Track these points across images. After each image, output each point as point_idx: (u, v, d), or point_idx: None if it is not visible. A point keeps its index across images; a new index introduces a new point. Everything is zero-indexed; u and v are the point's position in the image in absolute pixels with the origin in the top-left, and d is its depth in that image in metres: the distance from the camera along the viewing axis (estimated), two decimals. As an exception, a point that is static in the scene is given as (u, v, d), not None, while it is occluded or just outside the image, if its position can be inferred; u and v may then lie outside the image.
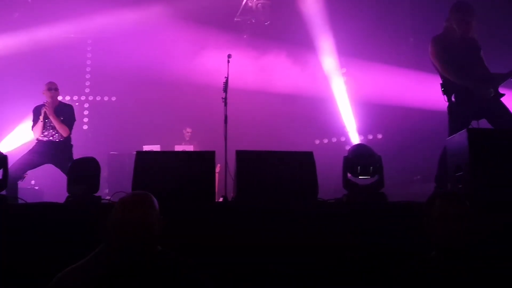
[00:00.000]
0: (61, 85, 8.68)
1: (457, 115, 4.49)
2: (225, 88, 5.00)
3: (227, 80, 5.04)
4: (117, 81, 9.07)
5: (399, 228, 3.42)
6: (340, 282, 3.32)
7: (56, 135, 5.72)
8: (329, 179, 4.88)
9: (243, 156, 4.08)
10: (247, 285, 3.32)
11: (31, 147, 5.75)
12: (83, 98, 9.58)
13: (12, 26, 8.47)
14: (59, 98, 6.19)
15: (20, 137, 7.83)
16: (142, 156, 4.08)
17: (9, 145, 7.88)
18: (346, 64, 8.78)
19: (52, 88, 5.82)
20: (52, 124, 5.71)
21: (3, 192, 3.98)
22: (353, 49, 8.46)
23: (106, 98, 9.61)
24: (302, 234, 3.55)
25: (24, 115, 7.19)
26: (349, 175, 3.99)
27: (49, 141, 5.70)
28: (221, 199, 4.45)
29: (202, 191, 3.89)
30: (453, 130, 4.33)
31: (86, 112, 9.53)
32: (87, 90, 9.61)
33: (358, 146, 4.19)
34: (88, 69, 9.61)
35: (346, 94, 8.69)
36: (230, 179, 4.60)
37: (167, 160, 4.14)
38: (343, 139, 8.89)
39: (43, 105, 5.78)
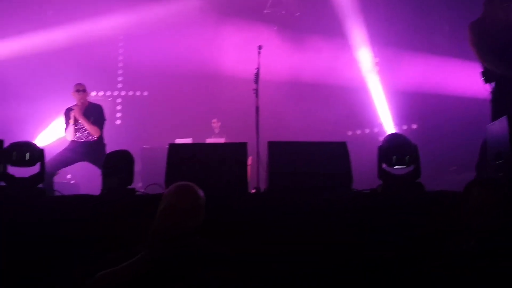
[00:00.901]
0: (95, 81, 8.95)
1: (498, 103, 4.32)
2: (256, 79, 4.97)
3: (258, 71, 5.01)
4: (149, 76, 9.16)
5: (436, 218, 3.33)
6: (375, 273, 3.25)
7: (89, 136, 5.79)
8: (362, 170, 4.79)
9: (275, 147, 4.05)
10: (283, 277, 3.29)
11: (66, 144, 5.84)
12: (115, 93, 9.72)
13: (46, 24, 8.65)
14: (92, 94, 6.24)
15: (55, 132, 8.02)
16: (175, 149, 4.10)
17: (46, 139, 8.07)
18: (379, 53, 8.60)
19: (80, 90, 5.84)
20: (83, 126, 5.79)
21: (41, 185, 4.08)
22: (386, 38, 8.29)
23: (138, 93, 9.73)
24: (337, 225, 3.50)
25: (59, 110, 7.33)
26: (383, 165, 3.90)
27: (83, 142, 5.78)
28: (253, 191, 4.43)
29: (235, 182, 3.88)
30: (495, 118, 4.17)
31: (119, 107, 9.67)
32: (119, 86, 9.74)
33: (393, 135, 4.10)
34: (120, 64, 9.74)
35: (380, 84, 8.52)
36: (262, 171, 4.59)
37: (200, 152, 4.14)
38: (376, 130, 8.73)
39: (73, 106, 5.86)
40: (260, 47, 5.14)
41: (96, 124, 5.79)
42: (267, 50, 5.34)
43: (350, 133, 8.75)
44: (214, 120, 8.41)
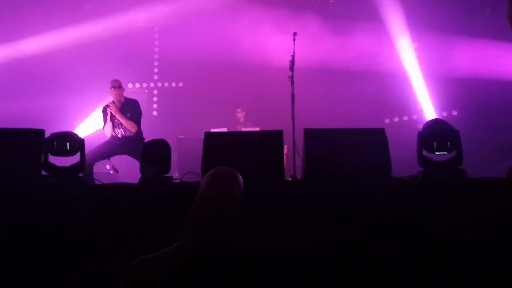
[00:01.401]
0: (131, 73, 9.10)
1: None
2: (292, 67, 4.92)
3: (293, 59, 4.96)
4: (184, 67, 9.21)
5: (478, 205, 3.22)
6: (417, 259, 3.17)
7: (128, 131, 5.87)
8: (401, 157, 4.68)
9: (311, 135, 4.01)
10: (323, 267, 3.25)
11: (106, 137, 5.94)
12: (152, 85, 9.83)
13: (84, 18, 8.83)
14: (129, 86, 6.31)
15: (94, 122, 8.20)
16: (210, 137, 4.11)
17: (85, 130, 8.28)
18: (418, 38, 8.35)
19: (116, 86, 5.90)
20: (120, 122, 5.86)
21: (81, 174, 4.17)
22: (425, 22, 8.04)
23: (173, 84, 9.80)
24: (376, 213, 3.43)
25: (98, 101, 7.50)
26: (424, 151, 3.80)
27: (122, 137, 5.85)
28: (289, 179, 4.39)
29: (271, 170, 3.87)
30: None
31: (155, 99, 9.78)
32: (155, 77, 9.85)
33: (433, 121, 3.98)
34: (156, 56, 9.84)
35: (418, 70, 8.29)
36: (299, 159, 4.55)
37: (235, 140, 4.14)
38: (415, 117, 8.51)
39: (110, 102, 5.92)
40: (295, 34, 5.08)
41: (133, 120, 5.84)
42: (303, 37, 5.28)
43: (387, 120, 8.55)
44: (239, 110, 8.36)
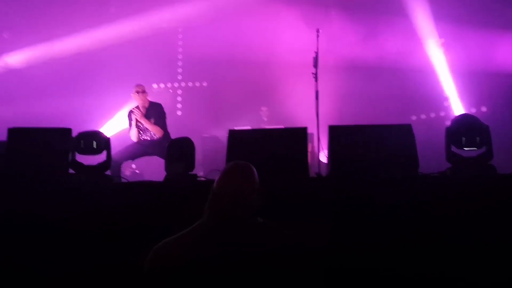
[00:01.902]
0: (156, 73, 9.20)
1: None
2: (315, 63, 4.88)
3: (317, 55, 4.91)
4: (207, 66, 9.26)
5: (509, 201, 3.14)
6: (447, 259, 3.10)
7: (154, 135, 5.93)
8: (429, 155, 4.58)
9: (336, 131, 3.95)
10: (346, 265, 3.21)
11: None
12: (176, 85, 9.92)
13: (109, 20, 8.97)
14: (154, 86, 6.36)
15: (120, 122, 8.31)
16: (234, 135, 4.10)
17: (111, 129, 8.40)
18: (445, 32, 8.17)
19: (140, 91, 5.94)
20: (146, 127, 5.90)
21: (108, 172, 4.23)
22: (452, 16, 7.86)
23: (197, 84, 9.88)
24: (404, 210, 3.37)
25: (124, 102, 7.61)
26: (453, 147, 3.71)
27: (152, 140, 5.91)
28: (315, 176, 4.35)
29: (295, 167, 3.83)
30: None
31: (179, 99, 9.86)
32: (179, 77, 9.93)
33: (462, 116, 3.90)
34: (179, 56, 9.92)
35: (445, 65, 8.11)
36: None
37: (260, 138, 4.13)
38: (442, 114, 8.33)
39: (135, 107, 5.97)
40: (318, 30, 5.04)
41: (158, 124, 5.88)
42: (326, 33, 5.23)
43: (414, 117, 8.39)
44: (263, 108, 8.33)
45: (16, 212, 3.61)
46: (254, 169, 2.13)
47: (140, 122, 5.88)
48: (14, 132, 3.79)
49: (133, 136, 5.91)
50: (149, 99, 6.09)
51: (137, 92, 5.94)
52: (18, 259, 3.37)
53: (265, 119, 8.29)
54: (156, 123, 5.86)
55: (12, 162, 3.71)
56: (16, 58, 8.65)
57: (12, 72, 8.53)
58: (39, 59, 8.65)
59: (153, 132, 5.84)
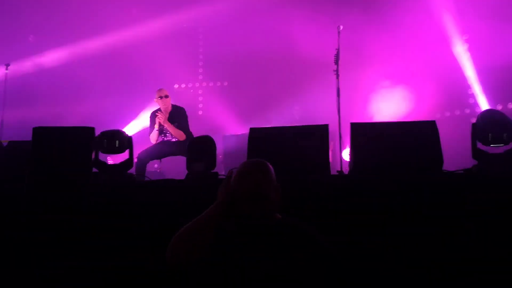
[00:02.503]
0: (177, 73, 9.26)
1: None
2: (336, 60, 4.83)
3: (338, 52, 4.86)
4: (228, 66, 9.28)
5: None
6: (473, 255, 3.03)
7: (173, 138, 5.97)
8: (454, 152, 4.49)
9: (358, 129, 3.91)
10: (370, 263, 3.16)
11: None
12: (197, 85, 9.97)
13: (131, 21, 9.06)
14: (175, 86, 6.40)
15: (143, 122, 8.39)
16: (255, 132, 4.09)
17: (134, 128, 8.49)
18: (469, 27, 8.01)
19: (163, 96, 5.98)
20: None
21: (131, 171, 4.26)
22: (475, 11, 7.70)
23: (218, 84, 9.90)
24: (427, 208, 3.31)
25: (145, 101, 7.70)
26: (478, 143, 3.63)
27: (177, 141, 5.96)
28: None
29: (317, 165, 3.80)
30: None
31: (200, 99, 9.90)
32: (200, 77, 9.97)
33: (488, 111, 3.81)
34: (200, 56, 9.96)
35: (470, 62, 7.94)
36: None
37: (280, 135, 4.11)
38: (467, 111, 8.16)
39: (158, 110, 6.02)
40: (339, 27, 4.99)
41: (181, 129, 5.91)
42: (347, 30, 5.18)
43: (438, 115, 8.24)
44: (296, 107, 8.31)
45: (42, 211, 3.67)
46: (271, 166, 2.12)
47: (163, 125, 5.91)
48: (39, 131, 3.85)
49: (153, 138, 5.97)
50: (172, 103, 6.13)
51: (160, 97, 5.98)
52: (43, 257, 3.42)
53: (297, 117, 8.27)
54: (179, 127, 5.89)
55: (37, 161, 3.76)
56: (41, 60, 8.81)
57: (37, 74, 8.69)
58: (63, 61, 8.79)
59: (176, 136, 5.87)
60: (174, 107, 6.09)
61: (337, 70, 4.84)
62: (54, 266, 3.33)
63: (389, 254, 3.12)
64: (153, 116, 6.02)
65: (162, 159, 6.35)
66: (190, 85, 9.93)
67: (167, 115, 5.97)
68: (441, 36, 8.07)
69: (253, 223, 2.01)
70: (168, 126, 5.86)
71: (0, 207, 3.75)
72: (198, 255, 1.92)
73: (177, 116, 5.97)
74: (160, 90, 6.06)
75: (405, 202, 3.33)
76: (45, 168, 3.77)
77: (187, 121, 6.04)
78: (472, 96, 8.05)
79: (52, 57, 8.79)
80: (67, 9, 8.85)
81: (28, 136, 3.94)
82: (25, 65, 8.47)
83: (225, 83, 9.83)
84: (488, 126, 3.56)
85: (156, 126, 5.91)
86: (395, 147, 3.75)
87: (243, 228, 2.02)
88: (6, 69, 7.05)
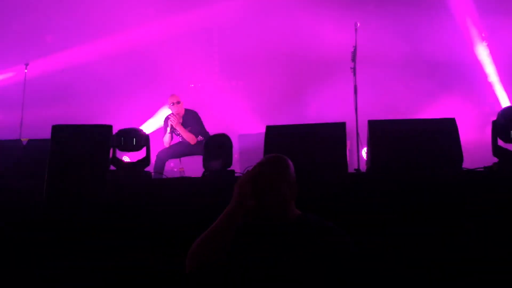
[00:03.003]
0: (193, 72, 9.29)
1: None
2: (354, 57, 4.79)
3: (355, 49, 4.82)
4: (244, 65, 9.28)
5: None
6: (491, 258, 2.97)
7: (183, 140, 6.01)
8: (473, 151, 4.43)
9: (376, 126, 3.87)
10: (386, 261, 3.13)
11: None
12: (212, 84, 9.96)
13: (148, 21, 9.12)
14: (191, 86, 6.43)
15: (159, 120, 8.43)
16: (272, 130, 4.07)
17: (151, 127, 8.55)
18: (488, 24, 7.88)
19: (175, 102, 6.02)
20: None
21: (150, 169, 4.28)
22: (494, 9, 7.58)
23: (234, 83, 9.89)
24: (446, 207, 3.26)
25: (163, 101, 7.71)
26: (499, 141, 3.56)
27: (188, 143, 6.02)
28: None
29: (334, 163, 3.77)
30: None
31: (216, 98, 9.90)
32: (216, 76, 9.98)
33: (509, 108, 3.73)
34: (216, 56, 9.98)
35: (489, 59, 7.82)
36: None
37: (297, 133, 4.08)
38: (486, 109, 8.04)
39: (172, 113, 6.06)
40: (356, 24, 4.95)
41: (194, 132, 5.94)
42: (365, 28, 5.13)
43: (457, 113, 8.10)
44: (313, 106, 8.27)
45: (61, 208, 3.71)
46: (288, 162, 2.09)
47: (174, 129, 5.98)
48: (58, 129, 3.89)
49: (166, 142, 6.03)
50: (185, 106, 6.18)
51: (172, 103, 6.04)
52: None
53: (314, 116, 8.21)
54: (192, 131, 5.93)
55: (56, 158, 3.80)
56: (60, 60, 8.93)
57: (56, 73, 8.79)
58: (80, 60, 8.89)
59: (187, 139, 5.93)
60: (187, 111, 6.16)
61: (354, 67, 4.80)
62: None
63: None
64: (167, 119, 6.09)
65: (182, 160, 6.39)
66: (206, 84, 9.94)
67: (180, 119, 6.02)
68: (461, 33, 7.95)
69: (271, 220, 1.99)
70: (180, 130, 5.93)
71: (20, 204, 3.80)
72: (219, 259, 1.91)
73: (190, 120, 6.03)
74: (172, 96, 6.12)
75: (423, 201, 3.29)
76: (64, 165, 3.81)
77: (200, 124, 6.08)
78: (492, 94, 7.93)
79: (69, 56, 8.90)
80: (84, 10, 8.93)
81: (47, 135, 3.99)
82: (44, 64, 8.58)
83: (241, 82, 9.83)
84: (509, 123, 3.50)
85: (168, 129, 5.97)
86: (414, 144, 3.70)
87: (261, 226, 2.00)
88: (25, 68, 7.13)
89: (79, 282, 3.31)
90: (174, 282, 3.16)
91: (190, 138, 5.92)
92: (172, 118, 5.98)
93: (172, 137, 6.05)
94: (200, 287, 2.44)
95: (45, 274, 3.32)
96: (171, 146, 6.02)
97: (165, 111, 6.44)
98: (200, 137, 5.95)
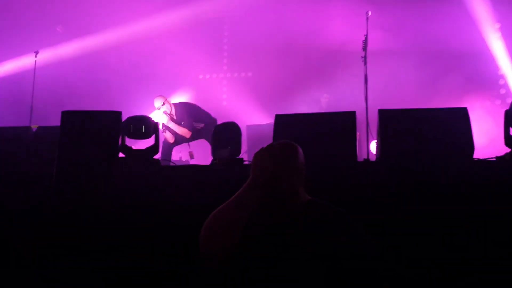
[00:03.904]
0: (202, 63, 9.28)
1: None
2: (364, 47, 4.74)
3: (366, 38, 4.77)
4: (253, 56, 9.24)
5: None
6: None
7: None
8: (485, 142, 4.38)
9: (386, 115, 3.83)
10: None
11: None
12: (221, 75, 9.96)
13: (157, 11, 9.11)
14: (200, 77, 6.44)
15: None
16: (281, 119, 4.05)
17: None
18: (501, 17, 7.77)
19: (160, 106, 6.03)
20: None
21: (158, 156, 4.28)
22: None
23: (242, 74, 9.87)
24: (455, 197, 3.23)
25: (170, 88, 7.75)
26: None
27: (197, 129, 6.05)
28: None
29: (343, 152, 3.74)
30: None
31: (224, 89, 9.89)
32: (225, 68, 9.96)
33: (523, 98, 3.67)
34: (225, 47, 9.95)
35: (503, 50, 7.71)
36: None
37: (307, 122, 4.06)
38: (498, 102, 7.94)
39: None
40: (368, 13, 4.90)
41: (186, 126, 5.98)
42: (376, 16, 5.07)
43: (469, 104, 8.01)
44: (325, 95, 8.20)
45: (71, 194, 3.72)
46: (299, 149, 2.07)
47: (168, 128, 6.02)
48: (67, 115, 3.90)
49: (169, 138, 6.03)
50: (172, 103, 6.21)
51: (158, 108, 6.05)
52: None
53: (324, 106, 8.17)
54: (185, 125, 5.95)
55: (65, 144, 3.82)
56: (70, 48, 8.97)
57: (66, 61, 8.83)
58: (89, 49, 8.93)
59: (182, 134, 5.94)
60: (176, 105, 6.17)
61: (365, 57, 4.75)
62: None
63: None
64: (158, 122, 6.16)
65: (191, 144, 6.40)
66: (214, 75, 9.93)
67: (171, 117, 6.05)
68: (474, 24, 7.84)
69: (283, 202, 1.98)
70: (172, 126, 5.97)
71: (30, 191, 3.82)
72: (233, 238, 1.89)
73: (180, 114, 6.03)
74: (155, 101, 6.12)
75: (434, 191, 3.26)
76: (73, 151, 3.82)
77: (194, 114, 6.08)
78: (505, 85, 7.84)
79: (79, 45, 8.93)
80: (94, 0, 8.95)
81: (56, 122, 4.00)
82: (54, 53, 8.63)
83: (249, 74, 9.79)
84: (522, 112, 3.45)
85: (160, 126, 5.97)
86: (424, 134, 3.66)
87: (273, 209, 1.99)
88: (35, 56, 7.16)
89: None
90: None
91: (184, 133, 5.95)
92: (164, 116, 6.01)
93: (172, 134, 6.07)
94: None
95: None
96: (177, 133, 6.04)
97: (173, 101, 6.43)
98: (199, 125, 5.95)
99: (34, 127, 4.70)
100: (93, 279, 3.29)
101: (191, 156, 6.26)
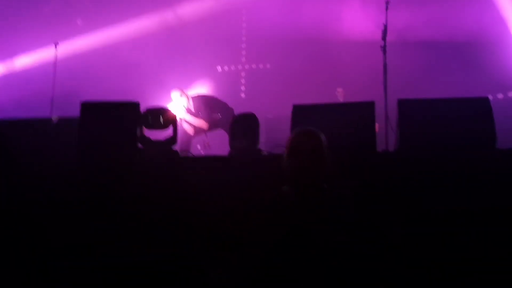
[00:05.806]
0: (220, 55, 9.28)
1: None
2: (384, 36, 4.67)
3: (385, 28, 4.70)
4: (271, 48, 9.19)
5: None
6: None
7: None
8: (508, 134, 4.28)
9: (406, 106, 3.78)
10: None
11: None
12: (239, 67, 9.94)
13: (176, 2, 9.14)
14: (218, 69, 6.48)
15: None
16: (299, 110, 4.03)
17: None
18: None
19: (177, 99, 6.10)
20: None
21: (177, 147, 4.30)
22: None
23: (261, 66, 9.83)
24: (478, 189, 3.17)
25: (191, 80, 7.77)
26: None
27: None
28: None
29: (362, 142, 3.71)
30: None
31: (243, 81, 9.88)
32: (243, 59, 9.94)
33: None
34: (243, 38, 9.92)
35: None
36: (392, 134, 4.34)
37: (325, 112, 4.03)
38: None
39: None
40: (387, 2, 4.82)
41: (203, 118, 6.02)
42: (396, 6, 4.99)
43: (490, 97, 7.85)
44: (339, 89, 8.13)
45: (89, 185, 3.76)
46: (323, 135, 2.09)
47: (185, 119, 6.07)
48: (86, 106, 3.93)
49: (189, 130, 6.05)
50: (191, 96, 6.26)
51: (175, 100, 6.11)
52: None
53: (341, 99, 8.10)
54: (203, 116, 5.99)
55: (85, 136, 3.86)
56: (90, 40, 9.06)
57: (86, 54, 8.93)
58: (110, 41, 9.01)
59: (198, 126, 5.95)
60: (194, 98, 6.22)
61: (384, 46, 4.69)
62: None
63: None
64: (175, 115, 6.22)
65: (208, 134, 6.44)
66: (232, 67, 9.91)
67: (187, 109, 6.09)
68: (495, 12, 7.67)
69: (308, 188, 1.99)
70: (189, 118, 5.99)
71: (52, 183, 3.86)
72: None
73: (197, 107, 6.08)
74: (172, 93, 6.19)
75: (455, 182, 3.21)
76: (93, 142, 3.86)
77: (211, 106, 6.11)
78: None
79: (99, 37, 9.01)
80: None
81: (76, 112, 4.04)
82: (74, 45, 8.73)
83: (268, 66, 9.75)
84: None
85: (178, 119, 6.02)
86: (445, 124, 3.60)
87: (297, 194, 2.00)
88: (56, 48, 7.23)
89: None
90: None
91: (201, 124, 5.97)
92: (181, 111, 6.05)
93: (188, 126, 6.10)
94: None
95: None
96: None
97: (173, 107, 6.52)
98: (216, 116, 5.97)
99: (54, 118, 4.75)
100: (119, 276, 3.32)
101: (207, 146, 6.29)
